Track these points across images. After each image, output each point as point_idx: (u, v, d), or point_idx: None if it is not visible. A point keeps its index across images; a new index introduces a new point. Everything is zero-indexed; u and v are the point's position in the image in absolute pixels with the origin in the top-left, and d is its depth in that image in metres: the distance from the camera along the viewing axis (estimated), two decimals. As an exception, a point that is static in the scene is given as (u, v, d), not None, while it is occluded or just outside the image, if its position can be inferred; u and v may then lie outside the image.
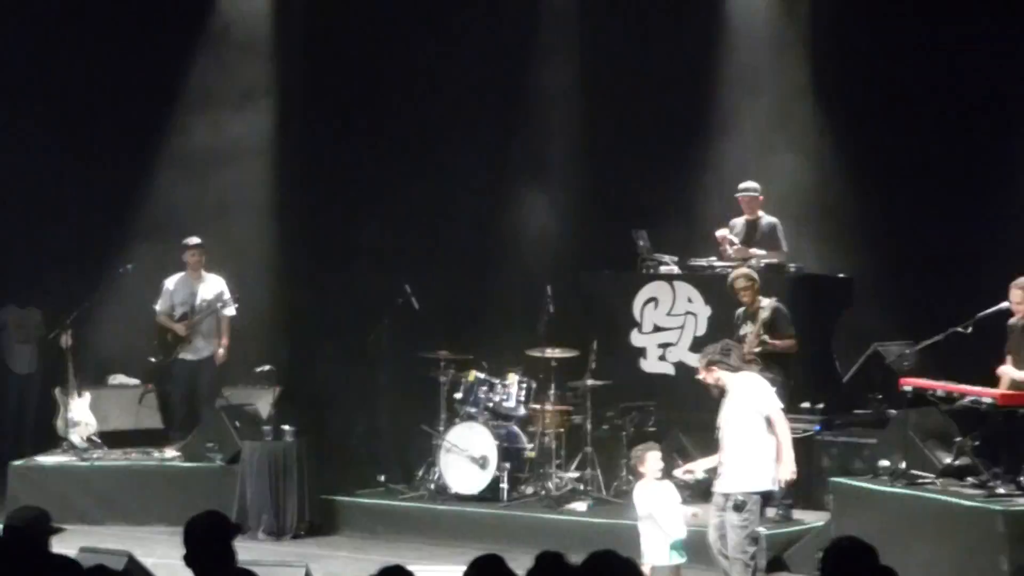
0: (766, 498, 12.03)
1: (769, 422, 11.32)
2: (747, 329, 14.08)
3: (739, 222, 15.81)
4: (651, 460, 11.82)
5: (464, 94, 17.99)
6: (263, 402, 16.39)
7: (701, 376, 11.69)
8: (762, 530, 12.07)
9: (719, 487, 11.45)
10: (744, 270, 14.35)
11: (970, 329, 12.46)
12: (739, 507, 11.26)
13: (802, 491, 14.16)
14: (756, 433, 11.30)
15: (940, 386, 12.43)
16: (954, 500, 11.92)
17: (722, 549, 11.38)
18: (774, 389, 12.59)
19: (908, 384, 12.62)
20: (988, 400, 11.95)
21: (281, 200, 18.24)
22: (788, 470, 11.38)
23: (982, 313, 12.54)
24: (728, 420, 11.40)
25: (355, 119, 18.19)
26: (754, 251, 15.48)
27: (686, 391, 15.72)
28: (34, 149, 17.43)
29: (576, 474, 15.24)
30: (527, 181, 17.69)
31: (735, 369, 11.50)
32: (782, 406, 11.63)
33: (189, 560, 6.68)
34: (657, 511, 11.57)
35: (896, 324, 16.13)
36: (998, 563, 11.18)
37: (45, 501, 15.04)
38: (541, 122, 17.93)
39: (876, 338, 15.82)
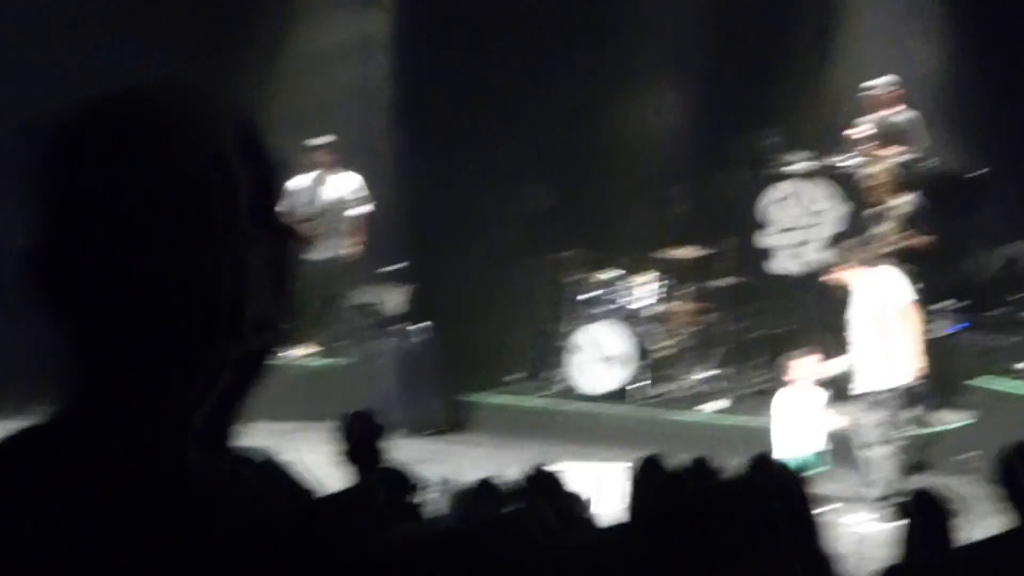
0: (904, 396, 11.87)
1: (901, 317, 11.16)
2: (883, 227, 13.85)
3: (874, 118, 15.56)
4: (800, 367, 11.69)
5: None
6: (393, 301, 16.42)
7: (835, 272, 11.56)
8: (903, 430, 11.93)
9: (856, 386, 11.36)
10: (880, 166, 14.12)
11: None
12: (876, 404, 11.16)
13: (942, 392, 14.02)
14: (889, 329, 11.16)
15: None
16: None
17: (862, 449, 11.29)
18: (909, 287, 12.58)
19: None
20: None
21: (411, 98, 18.05)
22: (919, 366, 11.23)
23: None
24: (861, 316, 11.26)
25: (481, 17, 17.98)
26: (889, 148, 15.25)
27: (819, 291, 15.62)
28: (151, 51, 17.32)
29: (710, 374, 15.16)
30: (657, 78, 17.45)
31: (870, 264, 11.33)
32: (915, 299, 11.41)
33: (351, 456, 6.69)
34: (795, 420, 11.47)
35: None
36: None
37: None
38: (669, 15, 17.64)
39: (1014, 236, 15.57)
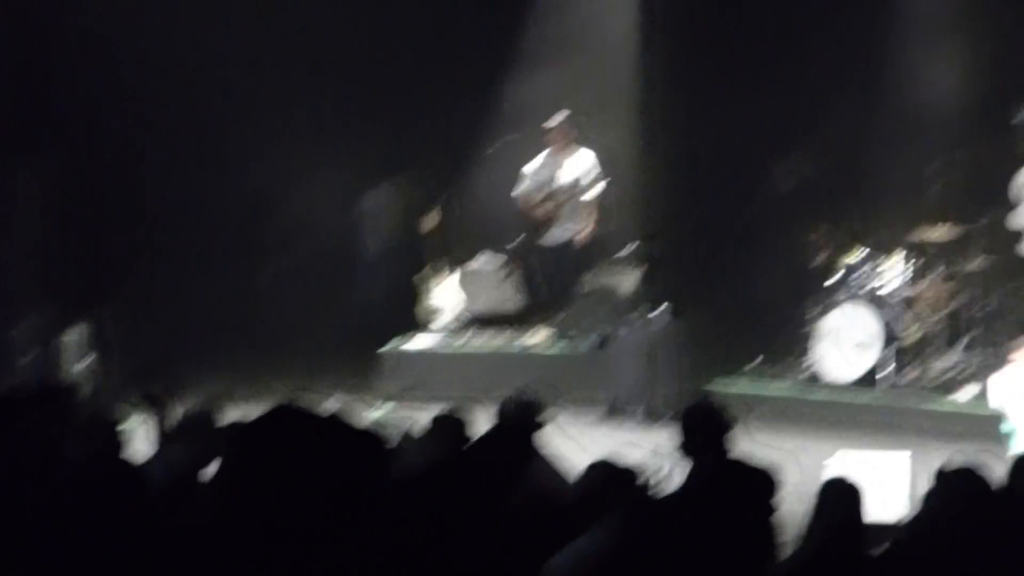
0: None
1: None
2: None
3: None
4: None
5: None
6: (628, 283, 16.10)
7: None
8: None
9: None
10: None
11: None
12: None
13: None
14: None
15: None
16: None
17: None
18: None
19: None
20: None
21: (652, 76, 17.67)
22: None
23: None
24: None
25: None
26: None
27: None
28: (389, 34, 17.23)
29: (962, 359, 14.58)
30: (917, 43, 16.80)
31: None
32: None
33: (688, 449, 6.47)
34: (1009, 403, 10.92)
35: None
36: None
37: (418, 384, 15.29)
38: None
39: None
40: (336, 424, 2.17)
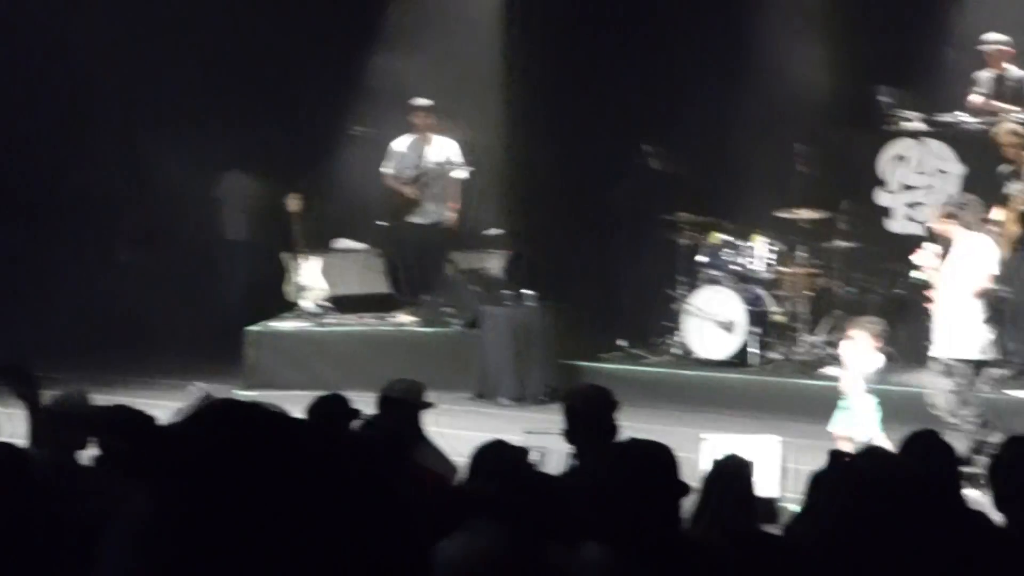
0: (975, 370, 11.36)
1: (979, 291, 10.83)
2: (1016, 187, 13.41)
3: (985, 75, 15.17)
4: (858, 339, 11.29)
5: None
6: (494, 266, 16.14)
7: (933, 225, 11.25)
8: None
9: (932, 350, 11.06)
10: (1010, 125, 13.67)
11: None
12: (948, 372, 10.86)
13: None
14: (970, 298, 10.83)
15: None
16: None
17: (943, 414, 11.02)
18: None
19: None
20: None
21: (515, 61, 17.69)
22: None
23: None
24: (946, 279, 10.93)
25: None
26: (1001, 105, 14.85)
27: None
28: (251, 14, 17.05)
29: (826, 338, 14.78)
30: (772, 35, 17.00)
31: (967, 227, 10.95)
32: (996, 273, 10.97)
33: (571, 436, 6.44)
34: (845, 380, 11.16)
35: None
36: None
37: (282, 366, 15.17)
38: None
39: None
40: (276, 417, 2.11)
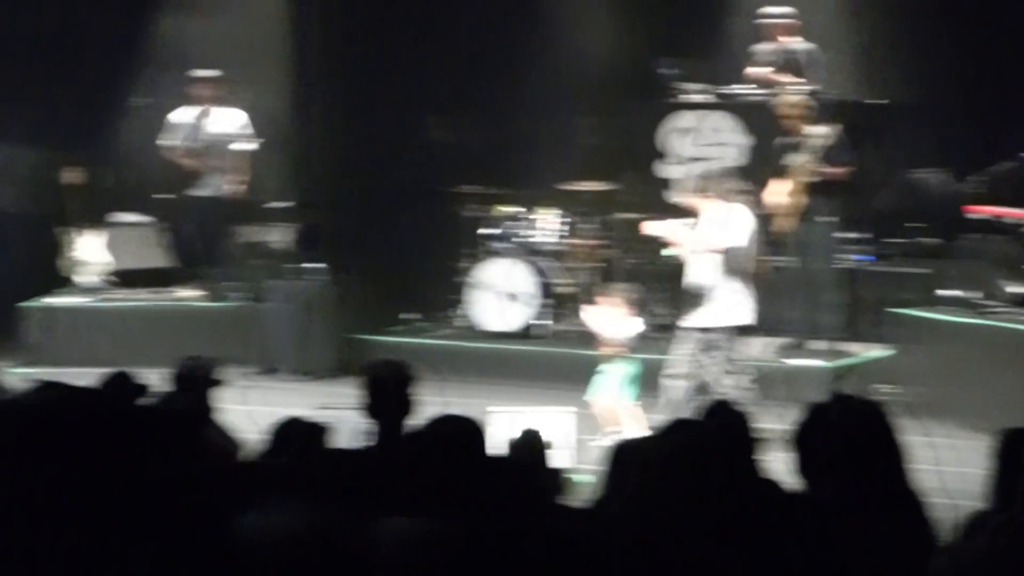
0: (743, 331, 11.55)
1: (731, 255, 10.99)
2: (797, 158, 13.61)
3: (766, 48, 15.40)
4: (612, 306, 11.46)
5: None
6: (280, 240, 15.95)
7: (688, 198, 11.38)
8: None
9: (684, 321, 11.21)
10: (792, 97, 13.87)
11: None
12: (705, 343, 10.99)
13: (851, 323, 13.93)
14: (723, 267, 11.00)
15: (1011, 213, 12.09)
16: (1037, 330, 11.67)
17: (670, 381, 11.14)
18: (823, 220, 13.07)
19: (976, 211, 12.24)
20: (1072, 226, 11.63)
21: (302, 34, 17.47)
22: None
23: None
24: (699, 250, 11.07)
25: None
26: (782, 78, 15.09)
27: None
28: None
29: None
30: (558, 9, 17.05)
31: (724, 198, 11.10)
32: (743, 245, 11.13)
33: (370, 411, 6.36)
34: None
35: (929, 151, 15.80)
36: (1092, 390, 10.95)
37: (61, 343, 14.82)
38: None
39: (908, 165, 15.49)
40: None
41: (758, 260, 11.77)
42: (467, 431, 4.89)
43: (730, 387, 10.94)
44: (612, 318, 11.35)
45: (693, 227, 11.29)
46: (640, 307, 11.54)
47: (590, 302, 12.01)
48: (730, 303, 11.10)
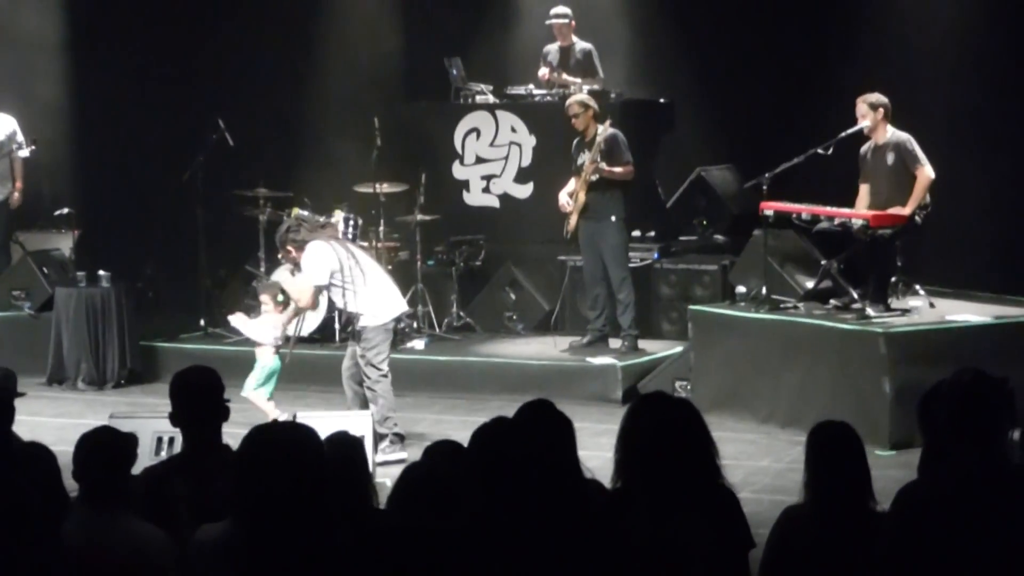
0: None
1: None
2: (584, 157, 13.74)
3: (552, 48, 15.52)
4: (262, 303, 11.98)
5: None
6: (64, 247, 15.61)
7: (284, 258, 11.72)
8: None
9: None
10: (579, 96, 13.97)
11: (831, 150, 12.25)
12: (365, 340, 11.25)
13: (643, 320, 14.06)
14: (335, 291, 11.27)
15: (805, 209, 12.28)
16: (830, 324, 11.87)
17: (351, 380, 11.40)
18: (613, 219, 13.48)
19: (769, 208, 12.41)
20: (860, 222, 11.84)
21: (73, 30, 17.12)
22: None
23: (843, 134, 12.34)
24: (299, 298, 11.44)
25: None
26: (569, 78, 15.21)
27: (513, 223, 15.54)
28: None
29: (408, 311, 14.80)
30: (345, 12, 16.95)
31: (306, 241, 11.31)
32: (320, 283, 11.27)
33: (176, 419, 6.20)
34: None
35: (715, 149, 16.05)
36: (880, 385, 11.17)
37: None
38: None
39: (696, 163, 15.71)
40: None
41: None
42: (298, 440, 4.80)
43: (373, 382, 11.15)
44: (262, 317, 11.84)
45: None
46: (284, 304, 11.76)
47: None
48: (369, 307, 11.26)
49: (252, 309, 12.83)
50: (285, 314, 11.75)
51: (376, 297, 11.28)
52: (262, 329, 11.81)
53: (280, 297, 11.78)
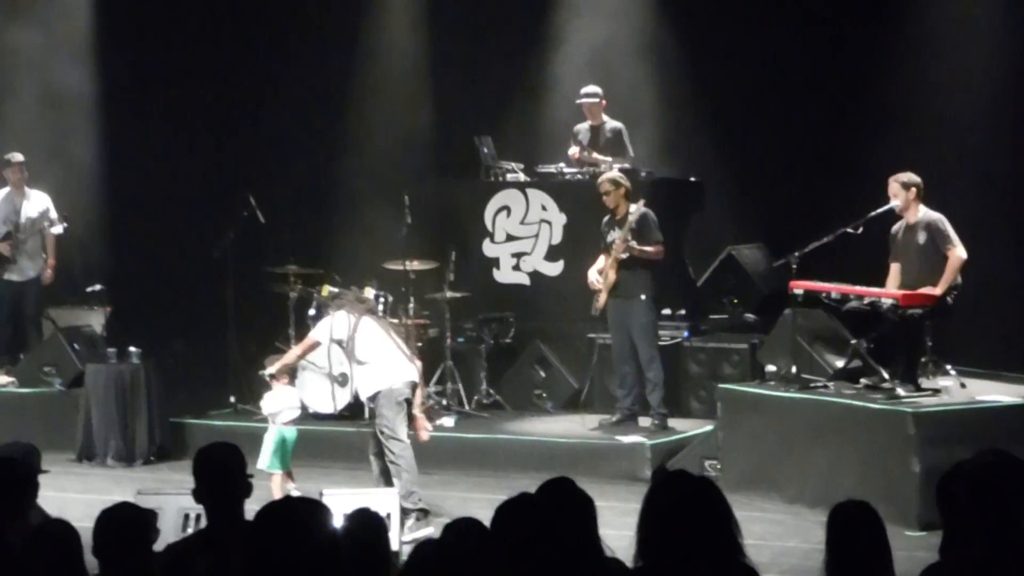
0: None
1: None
2: (614, 235, 13.76)
3: (583, 127, 15.55)
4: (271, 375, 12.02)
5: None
6: (95, 323, 15.68)
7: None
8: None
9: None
10: (611, 174, 14.01)
11: (860, 230, 12.23)
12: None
13: (672, 399, 14.03)
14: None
15: (835, 288, 12.25)
16: (859, 403, 11.80)
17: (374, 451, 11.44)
18: (643, 297, 13.48)
19: (799, 287, 12.37)
20: (890, 301, 11.81)
21: (106, 109, 17.28)
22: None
23: (873, 213, 12.34)
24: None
25: (183, 28, 17.38)
26: (599, 157, 15.23)
27: (543, 300, 15.52)
28: None
29: (437, 388, 14.83)
30: (376, 90, 17.08)
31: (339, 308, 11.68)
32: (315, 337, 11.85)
33: (199, 496, 6.20)
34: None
35: (745, 227, 16.07)
36: (909, 465, 11.09)
37: None
38: (384, 27, 17.39)
39: (725, 242, 15.72)
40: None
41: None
42: (307, 513, 4.78)
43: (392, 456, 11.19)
44: (274, 391, 11.92)
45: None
46: (286, 371, 12.01)
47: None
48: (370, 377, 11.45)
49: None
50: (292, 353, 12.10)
51: (379, 370, 11.40)
52: (273, 401, 11.91)
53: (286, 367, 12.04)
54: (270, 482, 11.38)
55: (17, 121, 16.71)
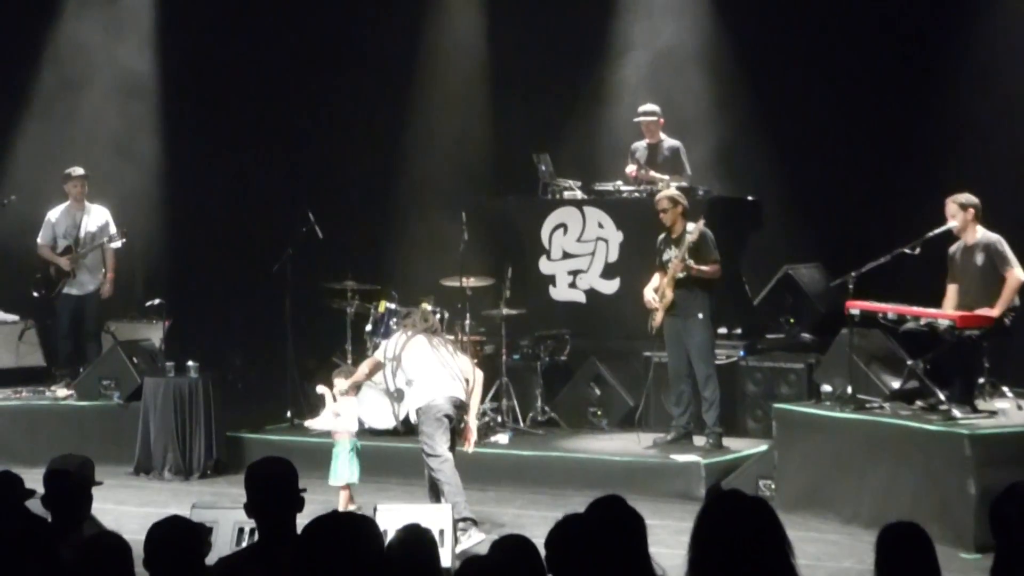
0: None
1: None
2: (671, 254, 13.74)
3: (640, 145, 15.55)
4: (337, 383, 12.31)
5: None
6: (154, 337, 15.79)
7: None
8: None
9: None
10: (669, 192, 13.99)
11: (918, 250, 12.17)
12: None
13: (727, 418, 14.00)
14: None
15: (891, 308, 12.19)
16: (915, 424, 11.72)
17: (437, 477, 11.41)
18: (700, 316, 13.46)
19: (856, 307, 12.33)
20: (947, 322, 11.75)
21: (169, 126, 17.44)
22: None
23: (931, 233, 12.28)
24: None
25: (243, 41, 17.49)
26: (656, 175, 15.22)
27: (598, 318, 15.53)
28: None
29: (492, 405, 14.84)
30: (435, 107, 17.16)
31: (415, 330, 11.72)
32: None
33: (251, 510, 6.22)
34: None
35: (802, 247, 16.03)
36: (966, 487, 11.01)
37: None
38: (442, 48, 17.46)
39: (783, 261, 15.68)
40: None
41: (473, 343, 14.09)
42: (355, 528, 4.82)
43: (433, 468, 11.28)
44: (339, 399, 12.19)
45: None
46: (355, 387, 12.31)
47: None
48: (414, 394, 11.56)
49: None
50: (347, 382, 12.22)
51: (421, 388, 11.51)
52: (327, 418, 12.18)
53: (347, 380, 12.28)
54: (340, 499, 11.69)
55: (78, 134, 16.83)
